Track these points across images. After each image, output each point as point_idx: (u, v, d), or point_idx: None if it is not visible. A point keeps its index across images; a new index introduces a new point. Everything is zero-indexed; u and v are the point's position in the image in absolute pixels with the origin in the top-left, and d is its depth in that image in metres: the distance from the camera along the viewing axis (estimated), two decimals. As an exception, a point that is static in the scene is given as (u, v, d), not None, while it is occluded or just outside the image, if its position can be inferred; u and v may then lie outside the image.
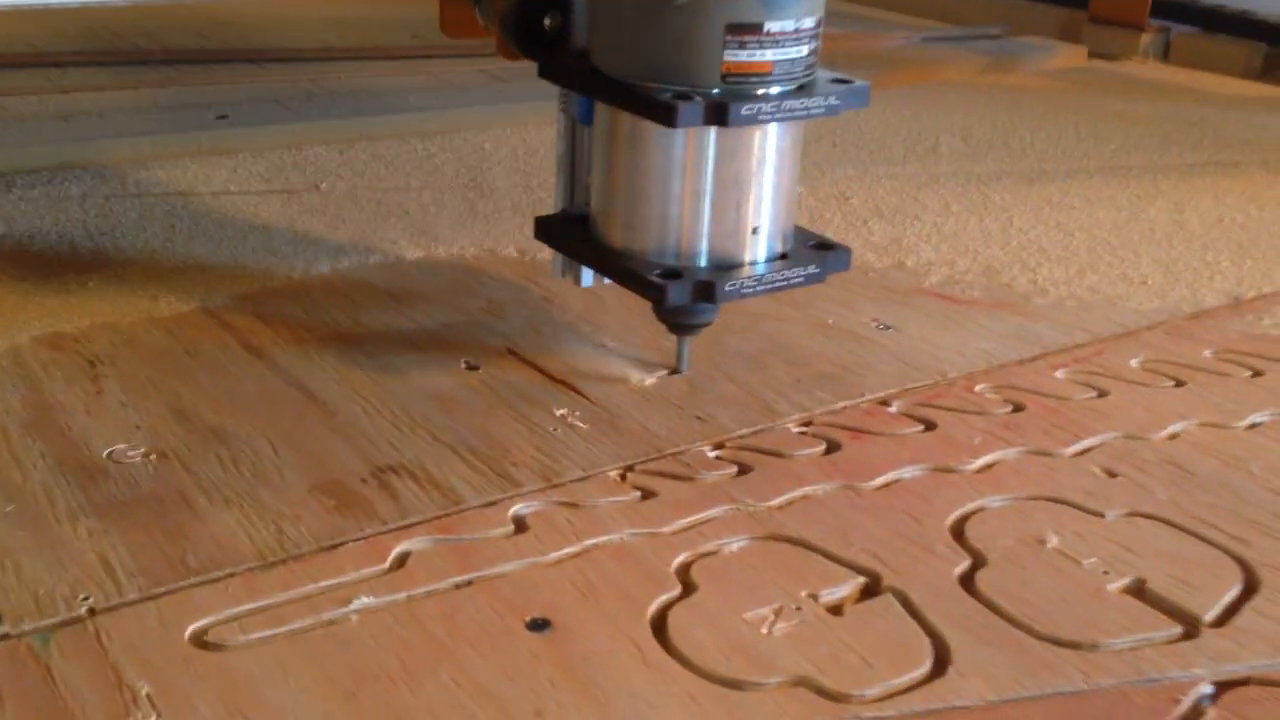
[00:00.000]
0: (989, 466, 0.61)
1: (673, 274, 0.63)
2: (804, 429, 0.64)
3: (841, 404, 0.67)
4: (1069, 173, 1.10)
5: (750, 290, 0.64)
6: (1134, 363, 0.73)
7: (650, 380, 0.69)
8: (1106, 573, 0.53)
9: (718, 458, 0.61)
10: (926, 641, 0.48)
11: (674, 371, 0.70)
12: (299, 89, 1.25)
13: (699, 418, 0.65)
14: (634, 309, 0.78)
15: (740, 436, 0.63)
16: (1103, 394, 0.69)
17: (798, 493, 0.58)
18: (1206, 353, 0.75)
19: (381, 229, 0.91)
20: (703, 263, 0.65)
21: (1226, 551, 0.54)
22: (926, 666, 0.47)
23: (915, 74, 1.48)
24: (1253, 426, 0.66)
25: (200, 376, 0.67)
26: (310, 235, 0.89)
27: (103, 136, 1.07)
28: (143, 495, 0.56)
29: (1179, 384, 0.70)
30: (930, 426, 0.65)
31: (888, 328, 0.76)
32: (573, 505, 0.57)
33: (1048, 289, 0.84)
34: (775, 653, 0.47)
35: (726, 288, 0.63)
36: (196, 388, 0.66)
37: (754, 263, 0.65)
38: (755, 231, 0.64)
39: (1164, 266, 0.88)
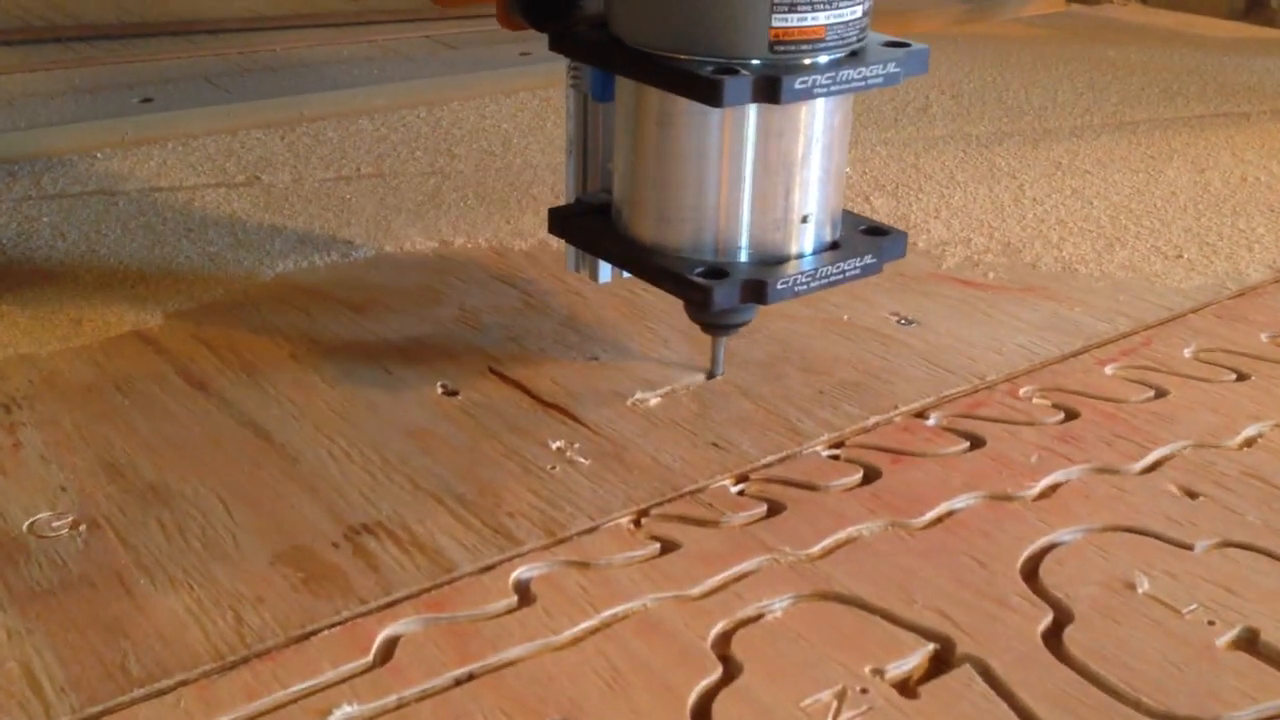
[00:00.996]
0: (1052, 490, 0.54)
1: (717, 273, 0.55)
2: (835, 452, 0.56)
3: (873, 419, 0.59)
4: (1073, 131, 1.03)
5: (804, 287, 0.56)
6: (1187, 353, 0.66)
7: (654, 399, 0.61)
8: (1212, 623, 0.45)
9: (742, 494, 0.53)
10: (1021, 727, 0.41)
11: (710, 375, 0.62)
12: (230, 64, 1.14)
13: (715, 444, 0.57)
14: (625, 312, 0.69)
15: (765, 466, 0.55)
16: (1161, 393, 0.61)
17: (841, 535, 0.50)
18: (1263, 337, 0.68)
19: (332, 224, 0.81)
20: (746, 257, 0.57)
21: (1340, 588, 0.47)
22: (1026, 762, 0.40)
23: (888, 26, 1.39)
24: (1333, 426, 0.59)
25: (135, 419, 0.58)
26: (252, 235, 0.79)
27: (13, 128, 0.95)
28: (72, 580, 0.47)
29: (1241, 377, 0.63)
30: (977, 443, 0.57)
31: (910, 322, 0.69)
32: (583, 565, 0.49)
33: (1076, 268, 0.76)
34: (846, 753, 0.40)
35: (779, 286, 0.55)
36: (131, 434, 0.57)
37: (804, 255, 0.57)
38: (805, 220, 0.56)
39: (1197, 237, 0.81)
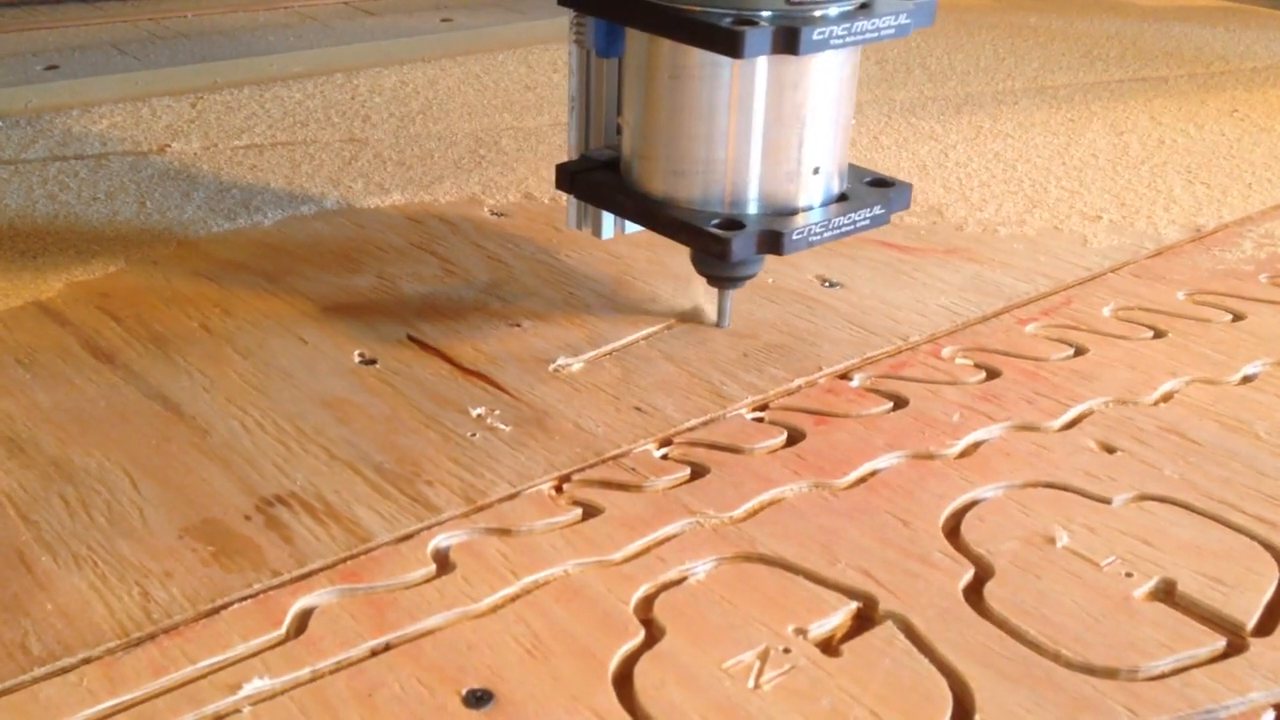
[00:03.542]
0: (973, 448, 0.54)
1: (734, 224, 0.56)
2: (759, 415, 0.56)
3: (798, 381, 0.59)
4: (996, 96, 1.03)
5: (817, 238, 0.57)
6: (1106, 311, 0.66)
7: (576, 365, 0.60)
8: (1130, 575, 0.46)
9: (666, 458, 0.53)
10: (942, 682, 0.41)
11: (718, 325, 0.63)
12: (140, 31, 1.11)
13: (638, 409, 0.56)
14: (547, 279, 0.68)
15: (689, 430, 0.55)
16: (1080, 351, 0.62)
17: (765, 497, 0.50)
18: (1180, 295, 0.68)
19: (245, 192, 0.79)
20: (757, 209, 0.57)
21: (1253, 537, 0.48)
22: (947, 716, 0.40)
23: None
24: (1247, 380, 0.60)
25: (37, 394, 0.56)
26: (160, 203, 0.77)
27: (-92, 96, 0.92)
28: (-32, 559, 0.45)
29: (1158, 334, 0.64)
30: (901, 403, 0.57)
31: (835, 285, 0.68)
32: (504, 532, 0.48)
33: (998, 229, 0.76)
34: (768, 713, 0.39)
35: (794, 237, 0.56)
36: (33, 408, 0.55)
37: (814, 206, 0.58)
38: (816, 171, 0.57)
39: (1115, 198, 0.82)
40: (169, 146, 0.87)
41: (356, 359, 0.60)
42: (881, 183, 0.61)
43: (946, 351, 0.62)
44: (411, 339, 0.62)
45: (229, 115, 0.93)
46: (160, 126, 0.90)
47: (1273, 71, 1.12)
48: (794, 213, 0.58)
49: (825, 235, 0.57)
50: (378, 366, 0.59)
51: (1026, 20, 1.29)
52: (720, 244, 0.56)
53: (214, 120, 0.92)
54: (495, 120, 0.94)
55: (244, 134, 0.90)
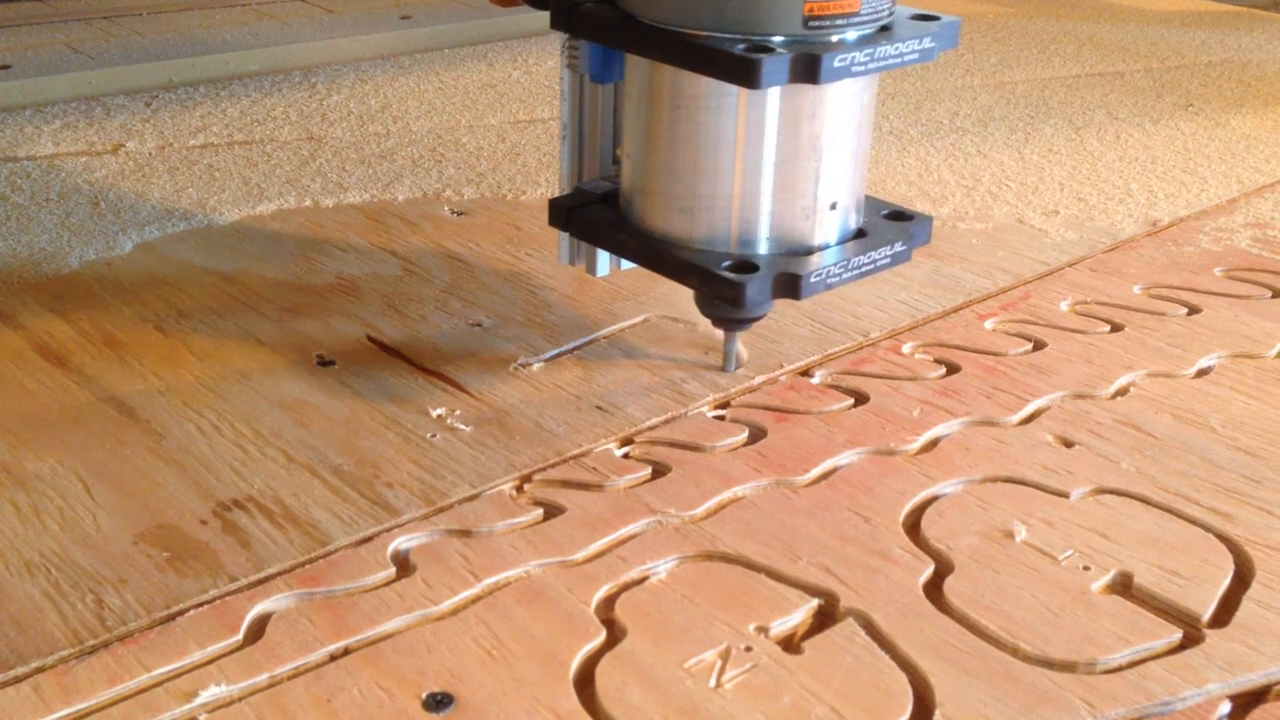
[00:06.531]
0: (933, 444, 0.54)
1: (747, 266, 0.52)
2: (721, 413, 0.56)
3: (759, 378, 0.59)
4: (955, 91, 1.04)
5: (836, 279, 0.53)
6: (1064, 306, 0.67)
7: (537, 364, 0.59)
8: (1087, 568, 0.46)
9: (627, 457, 0.53)
10: (903, 678, 0.41)
11: (721, 370, 0.59)
12: (93, 29, 1.09)
13: (600, 408, 0.56)
14: (509, 278, 0.68)
15: (650, 429, 0.55)
16: (1039, 346, 0.62)
17: (726, 495, 0.50)
18: (1136, 289, 0.69)
19: (201, 192, 0.78)
20: (773, 249, 0.53)
21: (1209, 529, 0.48)
22: (908, 712, 0.40)
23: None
24: (1202, 373, 0.60)
25: (-13, 398, 0.55)
26: (115, 204, 0.76)
27: None
28: (-83, 568, 0.45)
29: (1115, 328, 0.64)
30: (861, 399, 0.57)
31: (795, 281, 0.68)
32: (465, 533, 0.47)
33: (957, 224, 0.77)
34: (730, 712, 0.39)
35: (812, 279, 0.52)
36: (-17, 413, 0.54)
37: (832, 245, 0.54)
38: (833, 207, 0.53)
39: (1072, 192, 0.82)
40: (123, 146, 0.85)
41: (315, 360, 0.59)
42: (900, 215, 0.57)
43: (907, 347, 0.62)
44: (371, 339, 0.61)
45: (184, 114, 0.92)
46: (114, 126, 0.89)
47: (1227, 66, 1.13)
48: (809, 252, 0.54)
49: (845, 276, 0.53)
50: (336, 368, 0.59)
51: (984, 17, 1.29)
52: (734, 289, 0.52)
53: (169, 119, 0.91)
54: (455, 118, 0.94)
55: (200, 133, 0.89)
